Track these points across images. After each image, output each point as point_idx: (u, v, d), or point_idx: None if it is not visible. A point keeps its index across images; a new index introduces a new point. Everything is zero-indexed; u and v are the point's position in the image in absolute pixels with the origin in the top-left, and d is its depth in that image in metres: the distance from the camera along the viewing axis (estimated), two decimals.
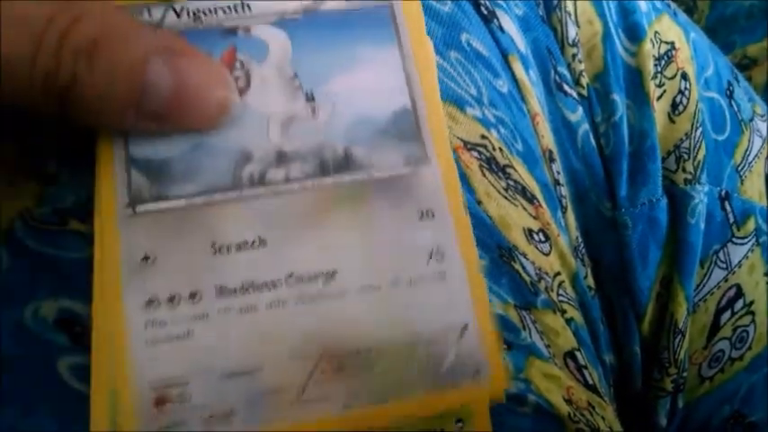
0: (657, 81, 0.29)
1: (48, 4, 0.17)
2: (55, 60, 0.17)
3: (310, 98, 0.21)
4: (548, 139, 0.27)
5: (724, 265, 0.29)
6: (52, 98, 0.17)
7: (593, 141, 0.28)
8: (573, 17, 0.29)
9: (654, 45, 0.29)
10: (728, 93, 0.31)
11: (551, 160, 0.27)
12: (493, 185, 0.24)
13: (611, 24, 0.29)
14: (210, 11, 0.22)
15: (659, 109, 0.29)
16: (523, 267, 0.23)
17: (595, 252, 0.29)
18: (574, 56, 0.29)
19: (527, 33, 0.28)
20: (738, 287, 0.30)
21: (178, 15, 0.22)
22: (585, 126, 0.28)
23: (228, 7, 0.22)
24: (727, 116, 0.31)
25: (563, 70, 0.29)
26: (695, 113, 0.29)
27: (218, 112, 0.19)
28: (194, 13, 0.22)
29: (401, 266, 0.20)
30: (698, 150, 0.29)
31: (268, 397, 0.19)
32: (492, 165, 0.24)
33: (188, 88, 0.18)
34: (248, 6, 0.22)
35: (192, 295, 0.19)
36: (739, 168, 0.30)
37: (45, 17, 0.17)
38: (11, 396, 0.18)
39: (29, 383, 0.19)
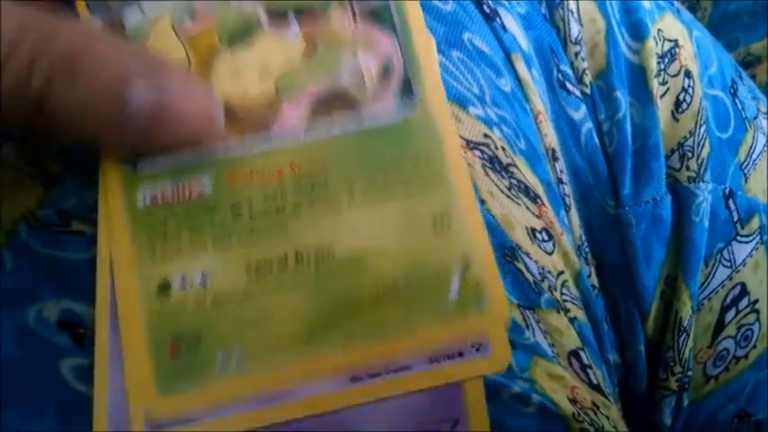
0: (661, 79, 0.29)
1: (20, 16, 0.17)
2: (28, 74, 0.16)
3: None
4: (551, 138, 0.27)
5: (728, 264, 0.29)
6: (25, 114, 0.17)
7: (596, 139, 0.28)
8: (575, 15, 0.29)
9: (657, 43, 0.29)
10: (732, 90, 0.31)
11: (554, 159, 0.27)
12: (496, 185, 0.24)
13: (614, 22, 0.29)
14: None
15: (662, 107, 0.29)
16: (527, 267, 0.23)
17: (599, 251, 0.29)
18: (577, 54, 0.29)
19: (529, 32, 0.28)
20: (743, 285, 0.29)
21: None
22: (589, 124, 0.28)
23: None
24: (731, 114, 0.31)
25: (566, 68, 0.28)
26: (699, 111, 0.29)
27: (203, 130, 0.19)
28: None
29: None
30: (702, 148, 0.29)
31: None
32: (495, 164, 0.24)
33: (171, 108, 0.18)
34: None
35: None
36: (743, 166, 0.30)
37: (17, 30, 0.16)
38: (14, 398, 0.18)
39: (32, 385, 0.19)
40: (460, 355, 0.20)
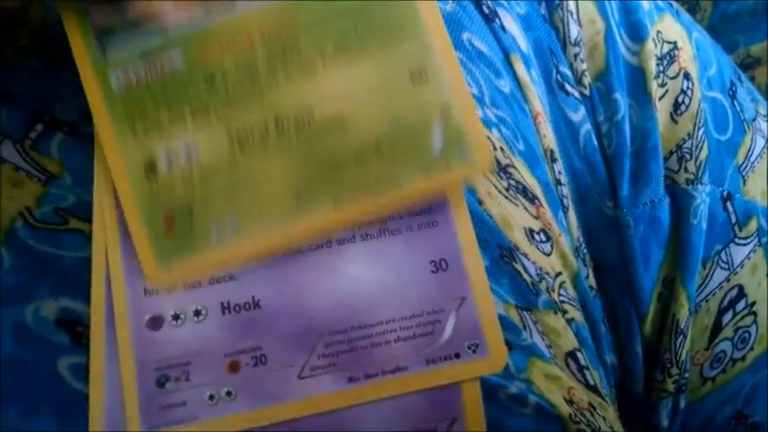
0: (660, 81, 0.29)
1: None
2: None
3: None
4: (549, 139, 0.27)
5: (726, 266, 0.29)
6: None
7: (594, 141, 0.28)
8: (575, 16, 0.29)
9: (656, 45, 0.29)
10: (731, 93, 0.31)
11: (553, 160, 0.27)
12: (494, 185, 0.24)
13: (613, 23, 0.29)
14: None
15: (661, 109, 0.29)
16: (524, 267, 0.23)
17: (597, 252, 0.29)
18: (576, 55, 0.29)
19: (529, 32, 0.28)
20: (740, 288, 0.29)
21: None
22: (587, 126, 0.28)
23: None
24: (730, 116, 0.31)
25: (565, 70, 0.28)
26: (697, 113, 0.29)
27: None
28: None
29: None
30: (700, 150, 0.29)
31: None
32: (493, 165, 0.24)
33: None
34: None
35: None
36: (741, 168, 0.30)
37: None
38: (12, 396, 0.18)
39: (30, 383, 0.19)
40: (457, 356, 0.20)
